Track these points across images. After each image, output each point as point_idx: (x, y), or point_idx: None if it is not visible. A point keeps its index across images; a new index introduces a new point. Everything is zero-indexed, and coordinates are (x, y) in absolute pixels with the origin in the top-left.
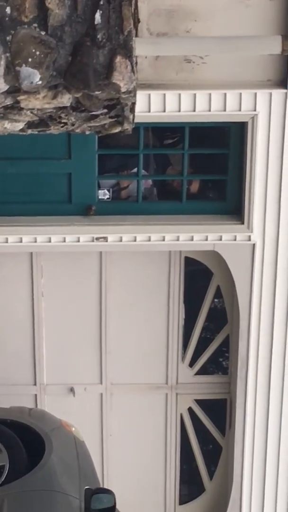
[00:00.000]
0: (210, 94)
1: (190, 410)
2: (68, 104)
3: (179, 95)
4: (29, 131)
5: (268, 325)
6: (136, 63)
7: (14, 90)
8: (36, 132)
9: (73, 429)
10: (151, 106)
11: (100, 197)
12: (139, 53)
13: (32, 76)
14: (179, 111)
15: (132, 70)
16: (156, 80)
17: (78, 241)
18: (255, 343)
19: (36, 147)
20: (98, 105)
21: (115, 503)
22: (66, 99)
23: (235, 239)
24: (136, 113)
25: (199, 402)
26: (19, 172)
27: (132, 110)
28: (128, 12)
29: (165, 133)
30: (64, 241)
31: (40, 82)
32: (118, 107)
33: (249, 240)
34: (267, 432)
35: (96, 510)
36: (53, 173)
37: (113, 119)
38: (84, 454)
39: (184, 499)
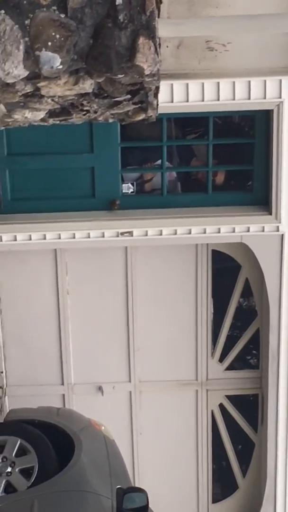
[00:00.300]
0: (233, 83)
1: (221, 406)
2: (90, 90)
3: (202, 84)
4: (51, 121)
5: None
6: (160, 44)
7: (34, 76)
8: (58, 122)
9: (103, 428)
10: (174, 97)
11: (124, 191)
12: (162, 34)
13: (53, 60)
14: (203, 100)
15: (156, 52)
16: (179, 70)
17: (103, 236)
18: (286, 336)
19: (57, 141)
20: (121, 91)
21: (147, 502)
22: (88, 85)
23: (263, 230)
24: (159, 104)
25: (230, 398)
26: (41, 167)
27: (156, 95)
28: None
29: (188, 127)
30: (89, 236)
31: (61, 67)
32: (142, 92)
33: (278, 230)
34: None
35: (128, 509)
36: (75, 168)
37: (137, 106)
38: (114, 453)
39: (217, 497)
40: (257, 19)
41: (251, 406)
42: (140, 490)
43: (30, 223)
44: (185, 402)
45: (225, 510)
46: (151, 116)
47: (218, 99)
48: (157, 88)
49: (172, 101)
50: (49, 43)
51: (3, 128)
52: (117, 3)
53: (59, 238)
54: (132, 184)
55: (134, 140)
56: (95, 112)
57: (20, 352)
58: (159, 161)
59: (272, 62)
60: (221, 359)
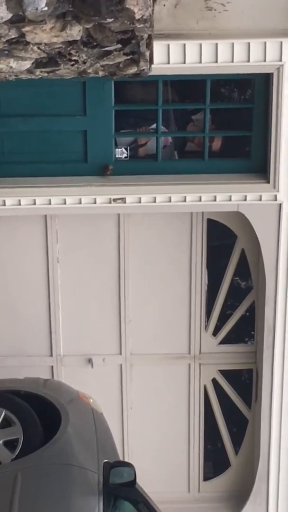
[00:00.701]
0: (232, 44)
1: (214, 381)
2: (78, 38)
3: (200, 45)
4: (38, 72)
5: None
6: None
7: (18, 19)
8: (46, 74)
9: (91, 400)
10: (170, 58)
11: (117, 156)
12: None
13: (37, 1)
14: (200, 62)
15: None
16: (176, 30)
17: (95, 202)
18: (282, 309)
19: (49, 102)
20: (111, 39)
21: (135, 477)
22: (76, 31)
23: (260, 199)
24: (154, 65)
25: (223, 372)
26: (31, 129)
27: (149, 45)
28: None
29: (185, 91)
30: (80, 202)
31: (46, 9)
32: (133, 41)
33: (275, 200)
34: None
35: (115, 484)
36: (67, 131)
37: (128, 57)
38: (102, 427)
39: (208, 475)
40: None
41: (245, 382)
42: (127, 465)
43: (20, 187)
44: (177, 376)
45: (217, 488)
46: (143, 69)
47: (216, 61)
48: (150, 37)
49: (168, 62)
50: None
51: None
52: None
53: (49, 203)
54: (126, 148)
55: (129, 103)
56: (84, 62)
57: (7, 321)
58: (154, 125)
59: (273, 23)
60: (215, 333)
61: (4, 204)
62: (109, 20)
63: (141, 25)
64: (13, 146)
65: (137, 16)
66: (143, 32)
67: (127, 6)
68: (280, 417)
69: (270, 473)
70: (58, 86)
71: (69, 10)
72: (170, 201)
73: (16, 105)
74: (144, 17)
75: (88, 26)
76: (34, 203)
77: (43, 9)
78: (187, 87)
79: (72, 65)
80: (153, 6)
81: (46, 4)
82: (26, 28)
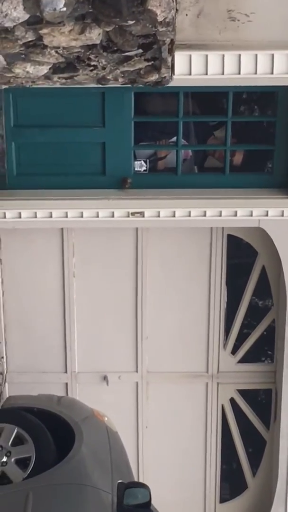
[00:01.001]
0: (256, 55)
1: (232, 400)
2: (98, 42)
3: (223, 56)
4: (55, 78)
5: None
6: None
7: (36, 21)
8: (64, 80)
9: (106, 419)
10: (192, 69)
11: (136, 168)
12: None
13: (56, 1)
14: (223, 74)
15: None
16: (198, 40)
17: (113, 216)
18: None
19: (67, 113)
20: (132, 43)
21: (150, 499)
22: (95, 35)
23: (282, 215)
24: (175, 76)
25: (241, 392)
26: (49, 141)
27: (171, 51)
28: None
29: (207, 103)
30: (97, 216)
31: (64, 9)
32: (155, 46)
33: None
34: None
35: (129, 505)
36: (85, 142)
37: (149, 63)
38: (117, 446)
39: (225, 497)
40: None
41: (263, 402)
42: (142, 486)
43: (36, 199)
44: (195, 395)
45: (233, 511)
46: (165, 77)
47: (239, 73)
48: (172, 42)
49: (190, 74)
50: None
51: (4, 86)
52: None
53: (66, 216)
54: (145, 161)
55: (149, 115)
56: (103, 68)
57: (22, 337)
58: (174, 138)
59: None
60: (233, 351)
61: (20, 217)
62: (130, 22)
63: (164, 29)
64: (30, 158)
65: (160, 19)
66: (165, 36)
67: (149, 7)
68: None
69: None
70: (77, 96)
71: (88, 11)
72: (189, 215)
73: (33, 115)
74: (167, 20)
75: (108, 29)
76: (51, 216)
77: (61, 10)
78: (209, 100)
79: (91, 70)
80: (176, 12)
81: (65, 5)
82: (44, 31)
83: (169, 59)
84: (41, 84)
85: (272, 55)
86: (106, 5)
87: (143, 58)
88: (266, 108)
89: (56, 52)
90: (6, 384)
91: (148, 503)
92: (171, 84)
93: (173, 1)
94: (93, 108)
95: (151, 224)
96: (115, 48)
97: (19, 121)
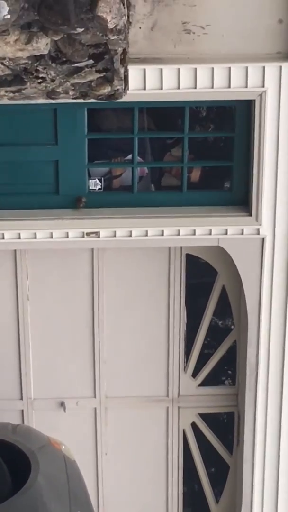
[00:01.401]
0: (212, 69)
1: (193, 425)
2: (46, 52)
3: (178, 70)
4: (2, 92)
5: (280, 329)
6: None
7: None
8: (11, 94)
9: (63, 447)
10: (147, 83)
11: (91, 187)
12: None
13: None
14: (178, 88)
15: (121, 1)
16: (152, 54)
17: (67, 236)
18: (265, 350)
19: (19, 131)
20: (82, 53)
21: None
22: (43, 44)
23: (242, 233)
24: (130, 91)
25: (203, 416)
26: (1, 160)
27: (124, 62)
28: None
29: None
30: (51, 237)
31: (8, 17)
32: (106, 57)
33: (258, 233)
34: (279, 449)
35: None
36: (38, 161)
37: (101, 74)
38: (75, 475)
39: None
40: None
41: (226, 426)
42: None
43: None
44: (155, 420)
45: None
46: (118, 89)
47: (195, 87)
48: (124, 52)
49: (144, 88)
50: None
51: None
52: None
53: (19, 237)
54: (100, 180)
55: (103, 132)
56: (53, 80)
57: None
58: (129, 156)
59: (255, 47)
60: (194, 374)
61: None
62: (79, 30)
63: (115, 37)
64: None
65: (110, 26)
66: (117, 45)
67: (99, 13)
68: (263, 464)
69: None
70: (28, 113)
71: (35, 19)
72: (146, 235)
73: None
74: (118, 27)
75: (56, 39)
76: (3, 238)
77: (5, 17)
78: (165, 115)
79: (40, 83)
80: (129, 24)
81: (9, 12)
82: None
83: (122, 71)
84: None
85: (229, 69)
86: (53, 12)
87: (94, 69)
88: (224, 124)
89: (2, 64)
90: None
91: None
92: (126, 99)
93: (124, 8)
94: (45, 125)
95: (107, 244)
96: (64, 59)
97: None
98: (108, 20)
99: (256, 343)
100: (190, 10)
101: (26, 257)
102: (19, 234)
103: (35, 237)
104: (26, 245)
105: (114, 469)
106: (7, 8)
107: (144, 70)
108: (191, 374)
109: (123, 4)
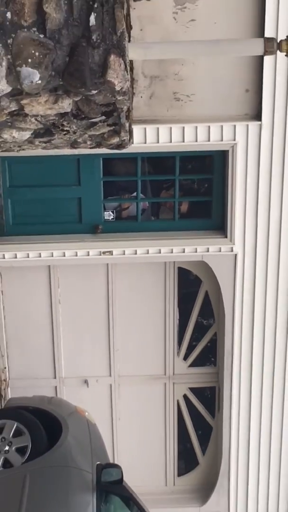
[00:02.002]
0: (196, 127)
1: (185, 397)
2: (69, 110)
3: (170, 128)
4: (36, 142)
5: (249, 323)
6: (131, 61)
7: (17, 93)
8: (44, 144)
9: (86, 414)
10: (147, 138)
11: (105, 217)
12: (133, 57)
13: (32, 75)
14: (171, 142)
15: (126, 69)
16: (151, 116)
17: (88, 255)
18: (238, 339)
19: (51, 175)
20: (96, 111)
21: (122, 476)
22: (66, 104)
23: (220, 251)
24: (134, 145)
25: (192, 390)
26: (38, 197)
27: (128, 117)
28: (120, 14)
29: (158, 166)
30: (76, 255)
31: (39, 82)
32: (115, 114)
33: (232, 251)
34: (250, 413)
35: (106, 482)
36: (65, 198)
37: (111, 128)
38: (95, 435)
39: (181, 471)
40: (218, 44)
41: (209, 397)
42: (116, 466)
43: (28, 243)
44: (156, 393)
45: (188, 482)
46: (124, 140)
47: (183, 141)
48: (129, 109)
49: (145, 142)
50: (29, 60)
51: None
52: (90, 25)
53: (52, 256)
54: (112, 211)
55: (114, 175)
56: (74, 133)
57: (19, 351)
58: (134, 193)
59: (228, 110)
60: (185, 357)
61: (16, 257)
62: (93, 92)
63: (121, 97)
64: (22, 211)
65: (117, 88)
66: (123, 104)
67: (108, 78)
68: (238, 425)
69: (230, 470)
70: (58, 162)
71: (59, 84)
72: (148, 253)
73: (23, 178)
74: (123, 90)
75: (76, 99)
76: (40, 256)
77: (37, 82)
78: (161, 162)
79: (65, 134)
80: (132, 92)
81: (40, 78)
82: (24, 101)
83: (127, 124)
84: (26, 148)
85: (209, 127)
86: (73, 77)
87: (106, 123)
88: (205, 168)
89: (36, 119)
90: (9, 388)
91: (121, 480)
92: (131, 150)
93: (127, 74)
94: (71, 171)
95: (118, 260)
96: (83, 116)
97: (13, 182)
98: (116, 84)
99: (231, 334)
100: (179, 83)
101: (57, 270)
102: (52, 253)
103: (64, 255)
104: (57, 262)
105: (125, 431)
106: (38, 75)
107: (145, 128)
108: (183, 357)
109: (127, 71)
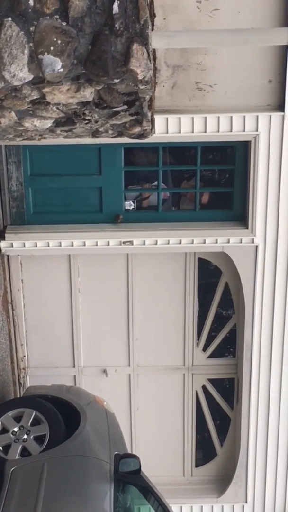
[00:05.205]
0: (218, 117)
1: (204, 387)
2: (91, 99)
3: (192, 118)
4: (58, 131)
5: (269, 315)
6: (153, 50)
7: (39, 81)
8: (65, 133)
9: (105, 403)
10: (169, 128)
11: (126, 207)
12: (156, 45)
13: (54, 63)
14: (192, 132)
15: (149, 58)
16: (173, 106)
17: (108, 244)
18: (257, 331)
19: (72, 165)
20: (118, 100)
21: (140, 466)
22: (88, 93)
23: (240, 242)
24: (155, 134)
25: (211, 381)
26: (59, 186)
27: (150, 107)
28: (144, 2)
29: (180, 156)
30: (97, 244)
31: (61, 70)
32: (137, 103)
33: (253, 242)
34: (268, 405)
35: (124, 472)
36: (86, 187)
37: (133, 117)
38: (114, 425)
39: (199, 462)
40: (242, 33)
41: (228, 388)
42: (134, 456)
43: (48, 232)
44: (175, 384)
45: (206, 473)
46: (146, 129)
47: (205, 131)
48: (151, 99)
49: (167, 132)
50: (51, 48)
51: (18, 139)
52: (114, 13)
53: (72, 245)
54: (133, 201)
55: (136, 165)
56: (96, 122)
57: (39, 340)
58: (155, 183)
59: (251, 100)
60: (204, 348)
61: (36, 246)
62: (116, 81)
63: (143, 87)
64: (43, 200)
65: (140, 77)
66: (145, 93)
67: (131, 67)
68: (256, 416)
69: (248, 461)
70: (79, 151)
71: (82, 72)
72: (168, 243)
73: (45, 167)
74: (146, 79)
75: (98, 88)
76: (60, 245)
77: (59, 71)
78: (182, 152)
79: (86, 123)
80: (155, 81)
81: (62, 66)
82: (46, 89)
83: (149, 114)
84: (47, 137)
85: (231, 117)
86: (96, 66)
87: (128, 113)
88: (227, 159)
89: (57, 108)
90: (28, 377)
91: (139, 470)
92: (152, 140)
93: (150, 63)
94: (92, 160)
95: (139, 250)
96: (105, 105)
97: (34, 171)
98: (138, 73)
99: (251, 326)
100: (202, 73)
101: (77, 260)
102: (72, 242)
103: (84, 245)
104: (77, 251)
105: (143, 421)
106: (60, 63)
107: (167, 118)
108: (202, 348)
109: (150, 60)
